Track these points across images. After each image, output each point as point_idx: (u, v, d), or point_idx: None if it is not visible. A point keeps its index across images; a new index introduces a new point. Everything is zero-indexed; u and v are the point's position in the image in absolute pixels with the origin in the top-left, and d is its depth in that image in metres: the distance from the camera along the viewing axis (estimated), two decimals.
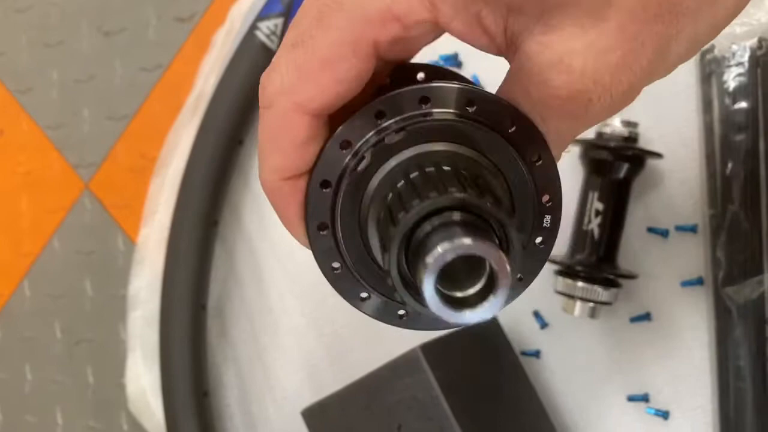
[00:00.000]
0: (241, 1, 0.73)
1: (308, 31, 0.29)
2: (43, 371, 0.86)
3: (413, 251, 0.26)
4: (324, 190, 0.30)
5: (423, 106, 0.29)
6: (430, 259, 0.25)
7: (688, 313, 0.58)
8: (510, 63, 0.30)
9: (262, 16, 0.65)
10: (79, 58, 0.85)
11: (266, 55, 0.65)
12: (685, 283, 0.58)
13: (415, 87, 0.29)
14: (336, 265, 0.31)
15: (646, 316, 0.59)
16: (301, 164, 0.30)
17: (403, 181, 0.29)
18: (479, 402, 0.55)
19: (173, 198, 0.72)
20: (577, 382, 0.61)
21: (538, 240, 0.31)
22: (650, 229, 0.59)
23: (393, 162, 0.30)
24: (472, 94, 0.29)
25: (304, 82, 0.29)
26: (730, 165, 0.56)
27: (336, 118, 0.30)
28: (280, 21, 0.65)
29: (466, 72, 0.64)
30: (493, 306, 0.26)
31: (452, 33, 0.30)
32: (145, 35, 0.82)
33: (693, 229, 0.58)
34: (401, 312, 0.31)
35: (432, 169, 0.28)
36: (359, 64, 0.29)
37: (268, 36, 0.65)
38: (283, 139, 0.30)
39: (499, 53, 0.30)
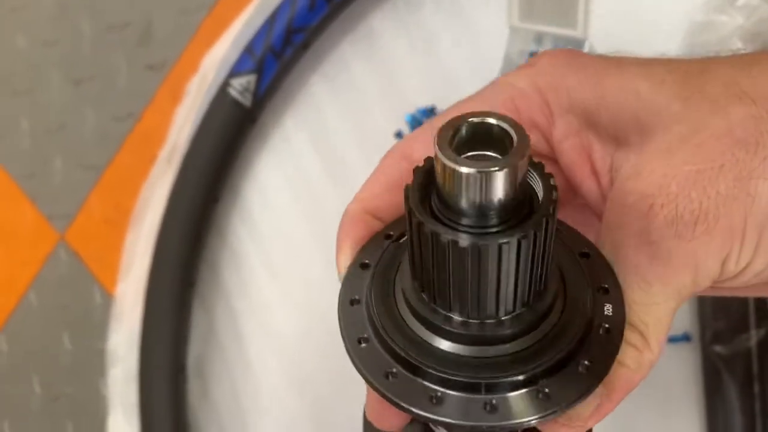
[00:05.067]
0: (214, 51, 0.71)
1: (451, 107, 0.32)
2: (23, 427, 0.84)
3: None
4: (386, 240, 0.30)
5: None
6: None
7: (676, 369, 0.57)
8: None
9: (234, 72, 0.64)
10: (50, 107, 0.83)
11: (239, 112, 0.64)
12: (673, 339, 0.57)
13: None
14: (364, 335, 0.27)
15: None
16: (381, 205, 0.32)
17: None
18: None
19: (149, 252, 0.71)
20: None
21: (585, 363, 0.26)
22: None
23: None
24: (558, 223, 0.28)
25: (420, 137, 0.32)
26: None
27: None
28: (252, 77, 0.63)
29: None
30: (509, 160, 0.23)
31: (561, 157, 0.31)
32: (116, 83, 0.80)
33: None
34: (433, 394, 0.25)
35: None
36: None
37: (240, 93, 0.64)
38: (380, 177, 0.32)
39: (599, 204, 0.30)
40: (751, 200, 0.26)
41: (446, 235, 0.23)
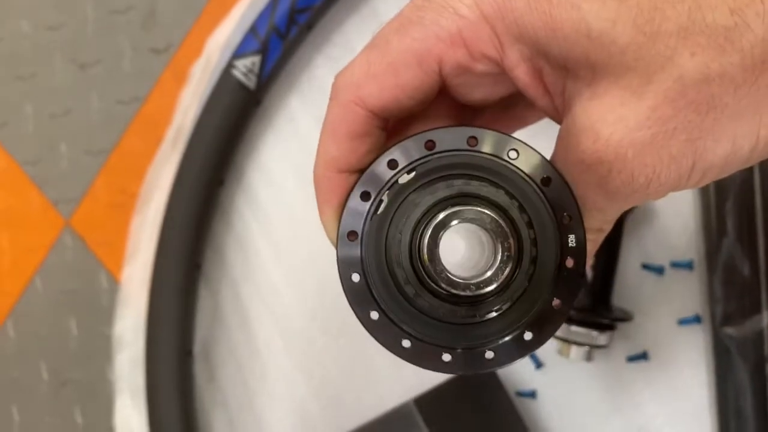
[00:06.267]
0: (217, 34, 0.71)
1: (387, 36, 0.32)
2: (31, 412, 0.84)
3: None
4: (363, 201, 0.31)
5: (470, 143, 0.31)
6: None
7: (686, 351, 0.57)
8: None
9: (238, 54, 0.63)
10: (54, 91, 0.83)
11: (243, 94, 0.63)
12: (683, 322, 0.56)
13: (464, 126, 0.31)
14: (356, 276, 0.31)
15: (643, 356, 0.57)
16: (352, 159, 0.32)
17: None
18: None
19: (155, 236, 0.70)
20: (575, 423, 0.59)
21: (556, 302, 0.31)
22: (645, 266, 0.57)
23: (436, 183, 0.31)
24: (516, 143, 0.31)
25: (369, 78, 0.32)
26: (724, 198, 0.55)
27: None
28: (257, 58, 0.63)
29: None
30: (499, 267, 0.29)
31: (516, 82, 0.31)
32: (121, 67, 0.80)
33: (689, 265, 0.56)
34: (446, 358, 0.31)
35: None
36: (421, 76, 0.31)
37: (245, 74, 0.63)
38: (340, 129, 0.32)
39: (556, 117, 0.31)
40: (699, 156, 0.28)
41: (452, 312, 0.30)
